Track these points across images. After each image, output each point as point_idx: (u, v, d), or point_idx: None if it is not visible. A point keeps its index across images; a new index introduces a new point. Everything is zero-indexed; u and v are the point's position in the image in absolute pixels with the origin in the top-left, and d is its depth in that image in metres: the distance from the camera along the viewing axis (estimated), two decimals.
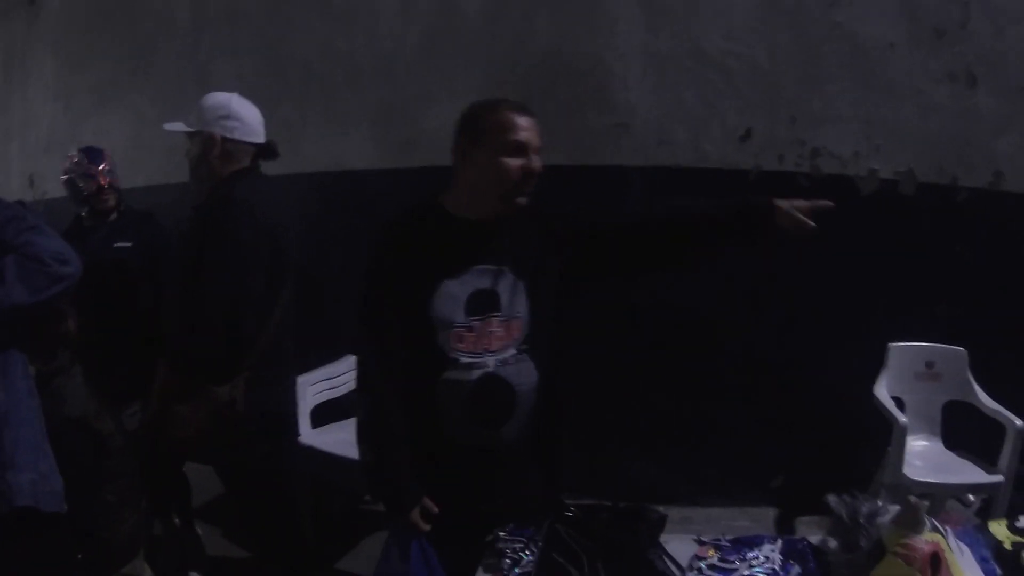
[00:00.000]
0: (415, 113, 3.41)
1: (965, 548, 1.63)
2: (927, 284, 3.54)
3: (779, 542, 1.64)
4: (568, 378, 1.93)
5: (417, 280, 1.77)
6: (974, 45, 3.50)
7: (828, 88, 3.32)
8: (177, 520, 3.20)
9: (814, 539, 1.67)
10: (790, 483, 3.54)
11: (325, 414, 3.29)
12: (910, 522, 1.51)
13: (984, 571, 1.58)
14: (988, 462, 3.16)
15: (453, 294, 1.76)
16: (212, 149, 2.44)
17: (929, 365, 3.43)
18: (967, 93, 3.51)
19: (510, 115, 1.75)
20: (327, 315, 3.06)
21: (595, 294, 3.15)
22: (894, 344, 3.39)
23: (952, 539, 1.61)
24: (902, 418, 3.09)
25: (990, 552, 1.66)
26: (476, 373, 1.76)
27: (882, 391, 3.27)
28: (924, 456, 3.29)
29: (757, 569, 1.56)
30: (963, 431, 3.39)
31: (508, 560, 1.59)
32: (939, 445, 3.42)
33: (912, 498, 1.54)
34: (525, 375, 1.81)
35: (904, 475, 3.04)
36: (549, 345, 1.89)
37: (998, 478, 3.05)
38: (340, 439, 3.05)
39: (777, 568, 1.56)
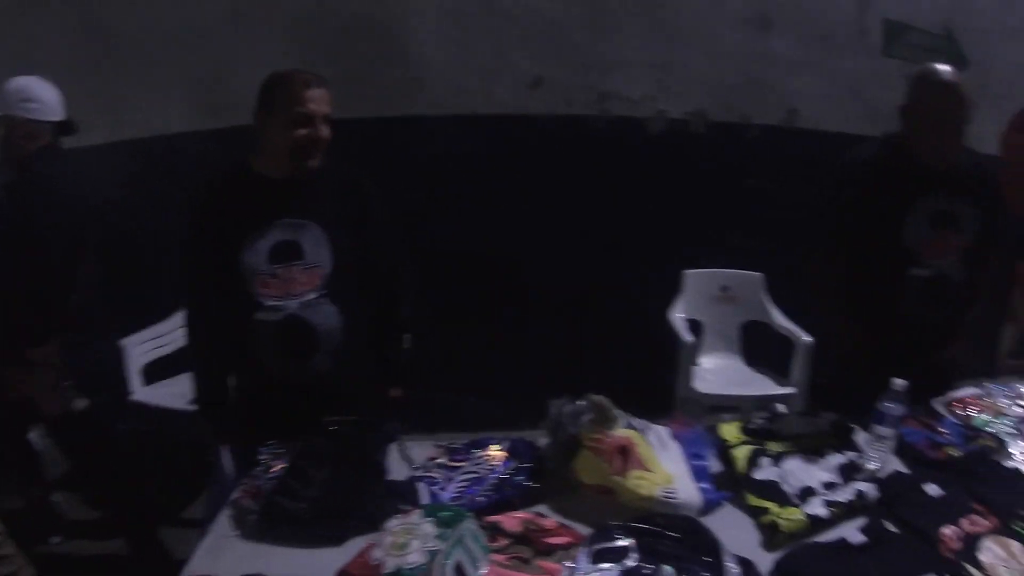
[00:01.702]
0: (224, 77, 3.50)
1: (674, 444, 1.80)
2: (722, 215, 3.77)
3: (506, 442, 1.82)
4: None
5: (228, 235, 2.00)
6: None
7: (617, 35, 3.49)
8: (35, 490, 3.33)
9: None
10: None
11: (159, 371, 3.41)
12: (601, 420, 1.68)
13: (693, 466, 1.74)
14: (784, 376, 3.46)
15: (258, 246, 2.00)
16: (15, 130, 2.67)
17: (724, 289, 3.71)
18: (761, 37, 3.72)
19: (297, 88, 1.96)
20: (151, 277, 3.09)
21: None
22: (689, 271, 3.65)
23: (655, 436, 1.78)
24: (688, 337, 3.36)
25: (713, 450, 1.83)
26: (280, 314, 2.03)
27: (676, 314, 3.53)
28: (720, 372, 3.59)
29: (480, 465, 1.76)
30: (762, 349, 3.68)
31: (261, 468, 1.78)
32: (738, 362, 3.72)
33: (599, 398, 1.71)
34: (325, 316, 2.07)
35: (693, 389, 3.32)
36: (353, 290, 2.13)
37: (789, 389, 3.37)
38: (171, 393, 3.25)
39: (497, 464, 1.74)
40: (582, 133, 3.55)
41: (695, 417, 3.36)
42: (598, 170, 3.59)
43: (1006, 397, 2.52)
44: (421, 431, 3.33)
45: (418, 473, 1.80)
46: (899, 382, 1.91)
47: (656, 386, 3.54)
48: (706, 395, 3.34)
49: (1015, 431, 2.24)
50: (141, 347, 3.27)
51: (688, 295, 3.65)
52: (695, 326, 3.64)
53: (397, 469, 1.86)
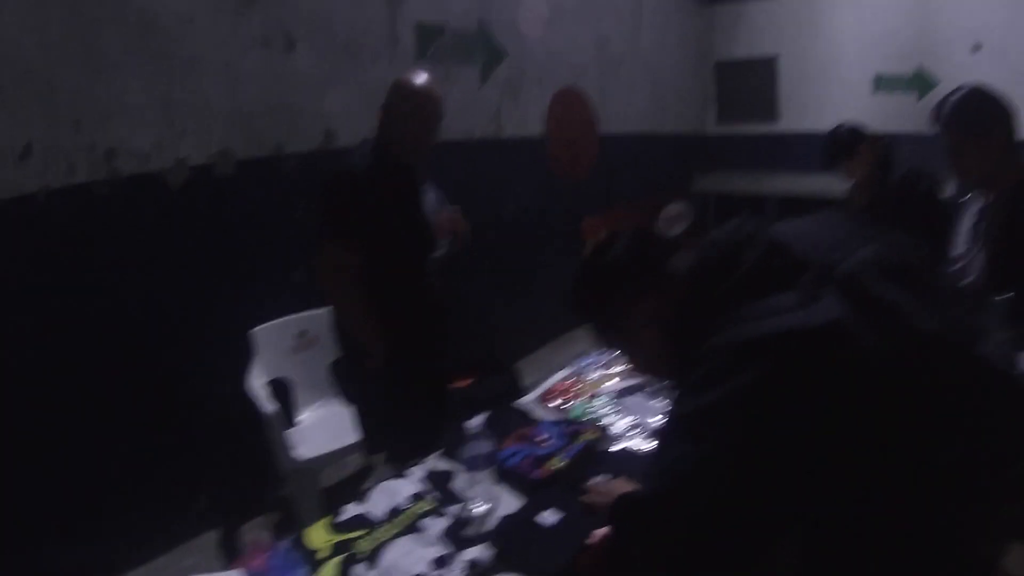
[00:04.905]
0: None
1: None
2: (276, 257, 3.52)
3: None
4: None
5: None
6: (291, 8, 3.49)
7: (114, 77, 2.93)
8: None
9: None
10: (218, 498, 3.38)
11: None
12: None
13: None
14: None
15: None
16: None
17: (302, 335, 3.44)
18: (285, 57, 3.50)
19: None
20: None
21: None
22: (258, 328, 3.27)
23: None
24: (269, 407, 2.98)
25: (306, 570, 1.55)
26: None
27: (253, 381, 3.12)
28: (321, 426, 3.33)
29: None
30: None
31: None
32: (335, 408, 3.44)
33: None
34: None
35: (295, 459, 2.99)
36: None
37: None
38: None
39: None
40: (88, 205, 2.89)
41: (302, 494, 3.11)
42: (115, 246, 3.00)
43: (596, 370, 2.62)
44: None
45: None
46: (478, 421, 1.92)
47: (262, 462, 3.22)
48: (312, 459, 3.02)
49: (616, 406, 2.28)
50: None
51: (264, 355, 3.26)
52: (282, 386, 3.31)
53: None
